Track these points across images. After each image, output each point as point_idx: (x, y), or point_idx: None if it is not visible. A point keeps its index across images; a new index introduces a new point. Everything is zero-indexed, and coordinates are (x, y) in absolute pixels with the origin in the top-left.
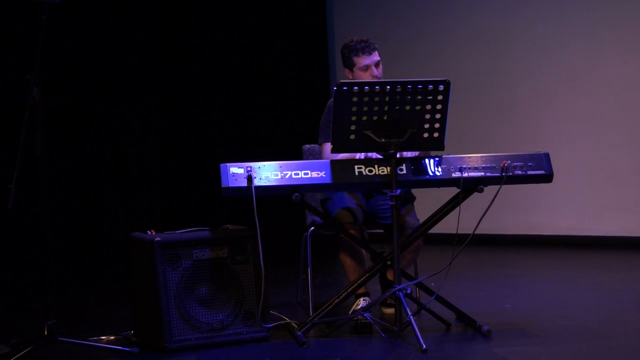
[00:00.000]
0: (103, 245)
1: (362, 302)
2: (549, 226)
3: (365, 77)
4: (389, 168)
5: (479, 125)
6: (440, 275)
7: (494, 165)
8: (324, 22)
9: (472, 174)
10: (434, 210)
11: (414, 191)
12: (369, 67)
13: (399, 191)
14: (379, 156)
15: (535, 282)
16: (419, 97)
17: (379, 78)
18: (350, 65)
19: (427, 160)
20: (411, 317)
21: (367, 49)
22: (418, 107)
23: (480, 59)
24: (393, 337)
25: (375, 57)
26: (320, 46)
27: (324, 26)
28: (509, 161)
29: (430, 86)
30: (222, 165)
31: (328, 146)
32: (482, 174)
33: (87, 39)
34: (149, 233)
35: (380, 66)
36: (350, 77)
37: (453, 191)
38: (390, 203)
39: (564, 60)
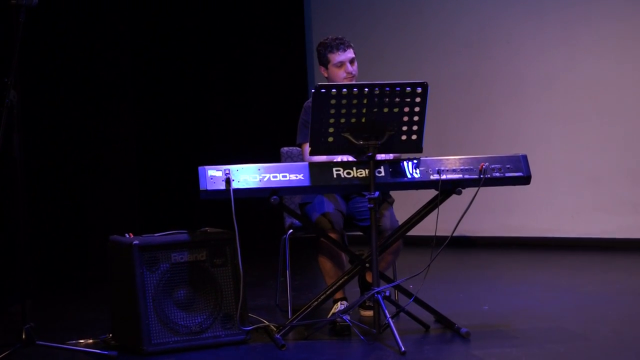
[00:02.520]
0: (81, 248)
1: (339, 307)
2: (527, 228)
3: (340, 74)
4: (367, 170)
5: (456, 128)
6: (419, 277)
7: (472, 167)
8: (302, 25)
9: (450, 176)
10: (412, 212)
11: (393, 193)
12: (344, 64)
13: (377, 193)
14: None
15: (513, 283)
16: (397, 99)
17: (354, 75)
18: (325, 63)
19: (405, 163)
20: (390, 319)
21: (341, 45)
22: (396, 110)
23: (457, 60)
24: (372, 340)
25: (350, 54)
26: (299, 49)
27: (302, 28)
28: (486, 163)
29: (408, 88)
30: (200, 168)
31: (308, 146)
32: (460, 176)
33: (65, 41)
34: (127, 236)
35: (355, 64)
36: (325, 75)
37: (432, 193)
38: (368, 205)
39: (541, 62)
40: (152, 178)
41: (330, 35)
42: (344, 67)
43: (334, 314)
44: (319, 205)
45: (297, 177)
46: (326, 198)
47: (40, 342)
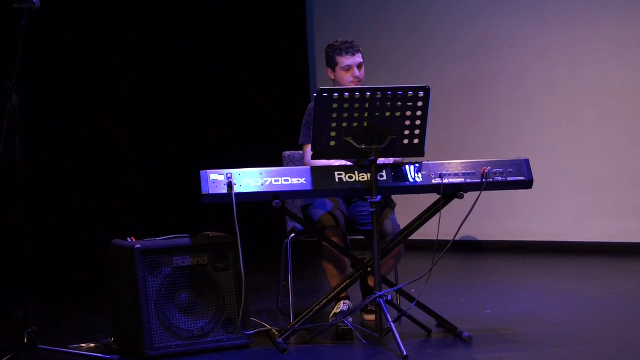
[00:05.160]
0: (83, 252)
1: (342, 305)
2: (529, 232)
3: (347, 78)
4: (369, 174)
5: (459, 132)
6: (421, 281)
7: (474, 171)
8: (304, 29)
9: (452, 180)
10: (415, 216)
11: (395, 197)
12: (351, 68)
13: (379, 198)
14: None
15: (516, 288)
16: (399, 103)
17: (361, 80)
18: (332, 65)
19: (407, 167)
20: (392, 323)
21: (350, 49)
22: (398, 114)
23: (460, 65)
24: (374, 344)
25: (358, 58)
26: (301, 53)
27: (304, 33)
28: (489, 167)
29: (410, 92)
30: (202, 172)
31: (309, 148)
32: (463, 180)
33: (66, 45)
34: (129, 240)
35: (363, 68)
36: (332, 77)
37: (434, 197)
38: (370, 209)
39: (543, 66)
40: (154, 182)
41: (340, 38)
42: (351, 71)
43: (335, 315)
44: (321, 206)
45: (299, 181)
46: (328, 200)
47: (42, 347)
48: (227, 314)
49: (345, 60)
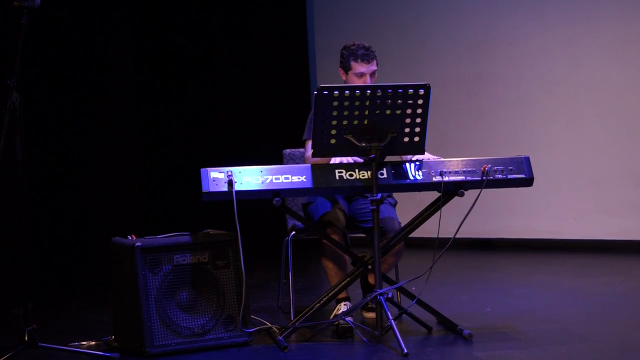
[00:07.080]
0: (84, 250)
1: (343, 307)
2: (530, 230)
3: (357, 83)
4: (369, 172)
5: (459, 129)
6: (422, 279)
7: (474, 169)
8: (304, 28)
9: (452, 178)
10: (415, 214)
11: (396, 195)
12: (364, 75)
13: (379, 195)
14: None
15: (516, 285)
16: (399, 101)
17: None
18: (346, 68)
19: (407, 165)
20: (392, 321)
21: (366, 57)
22: (398, 112)
23: (460, 63)
24: (374, 342)
25: (373, 66)
26: (301, 51)
27: (304, 31)
28: (489, 165)
29: (411, 90)
30: (202, 169)
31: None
32: (463, 178)
33: (67, 43)
34: (130, 238)
35: (375, 76)
36: (344, 78)
37: (435, 195)
38: (370, 207)
39: (543, 64)
40: (154, 180)
41: (357, 41)
42: (363, 78)
43: (336, 315)
44: (321, 205)
45: (299, 179)
46: (329, 198)
47: (43, 344)
48: (228, 312)
49: (360, 67)
